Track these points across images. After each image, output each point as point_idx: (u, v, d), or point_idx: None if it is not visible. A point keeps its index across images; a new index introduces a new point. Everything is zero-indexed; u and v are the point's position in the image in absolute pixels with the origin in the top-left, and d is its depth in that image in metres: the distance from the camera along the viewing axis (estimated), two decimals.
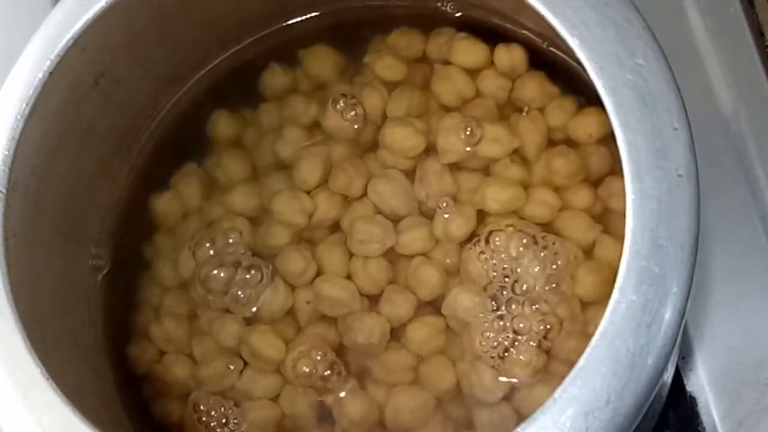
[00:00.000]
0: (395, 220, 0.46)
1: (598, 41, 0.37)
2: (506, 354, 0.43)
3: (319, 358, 0.45)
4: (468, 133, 0.45)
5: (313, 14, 0.50)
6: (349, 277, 0.46)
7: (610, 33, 0.37)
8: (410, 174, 0.47)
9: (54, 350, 0.39)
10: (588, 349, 0.34)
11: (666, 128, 0.36)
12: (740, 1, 0.54)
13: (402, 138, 0.46)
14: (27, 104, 0.40)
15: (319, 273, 0.46)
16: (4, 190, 0.40)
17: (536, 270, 0.44)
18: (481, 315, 0.44)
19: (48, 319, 0.41)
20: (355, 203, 0.47)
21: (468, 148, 0.45)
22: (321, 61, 0.50)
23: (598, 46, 0.37)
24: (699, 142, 0.36)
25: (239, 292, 0.46)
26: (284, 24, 0.50)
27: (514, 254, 0.44)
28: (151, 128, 0.49)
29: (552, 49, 0.46)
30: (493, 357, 0.43)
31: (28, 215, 0.41)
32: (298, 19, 0.50)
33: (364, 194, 0.47)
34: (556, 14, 0.38)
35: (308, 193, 0.47)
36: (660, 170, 0.35)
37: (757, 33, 0.54)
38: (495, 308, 0.44)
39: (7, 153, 0.40)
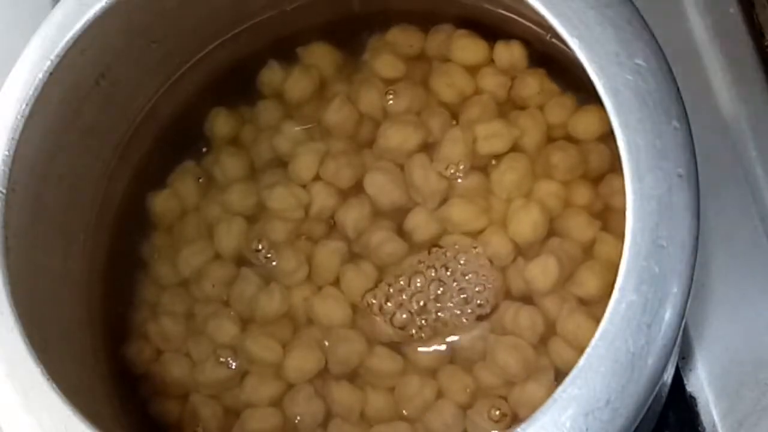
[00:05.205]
0: (394, 211, 0.46)
1: (598, 41, 0.37)
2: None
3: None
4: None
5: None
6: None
7: (610, 33, 0.37)
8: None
9: (54, 350, 0.39)
10: (588, 349, 0.34)
11: (666, 128, 0.36)
12: (740, 1, 0.54)
13: (400, 136, 0.46)
14: (27, 104, 0.40)
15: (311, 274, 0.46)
16: (4, 190, 0.40)
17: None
18: None
19: (48, 319, 0.41)
20: (352, 196, 0.47)
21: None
22: (320, 58, 0.50)
23: (598, 46, 0.37)
24: (699, 142, 0.36)
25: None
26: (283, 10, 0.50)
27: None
28: (150, 127, 0.49)
29: (555, 41, 0.46)
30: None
31: (28, 215, 0.41)
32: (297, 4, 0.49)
33: (361, 188, 0.47)
34: (556, 14, 0.37)
35: (304, 186, 0.47)
36: (660, 170, 0.35)
37: (757, 33, 0.54)
38: None
39: (7, 153, 0.40)
